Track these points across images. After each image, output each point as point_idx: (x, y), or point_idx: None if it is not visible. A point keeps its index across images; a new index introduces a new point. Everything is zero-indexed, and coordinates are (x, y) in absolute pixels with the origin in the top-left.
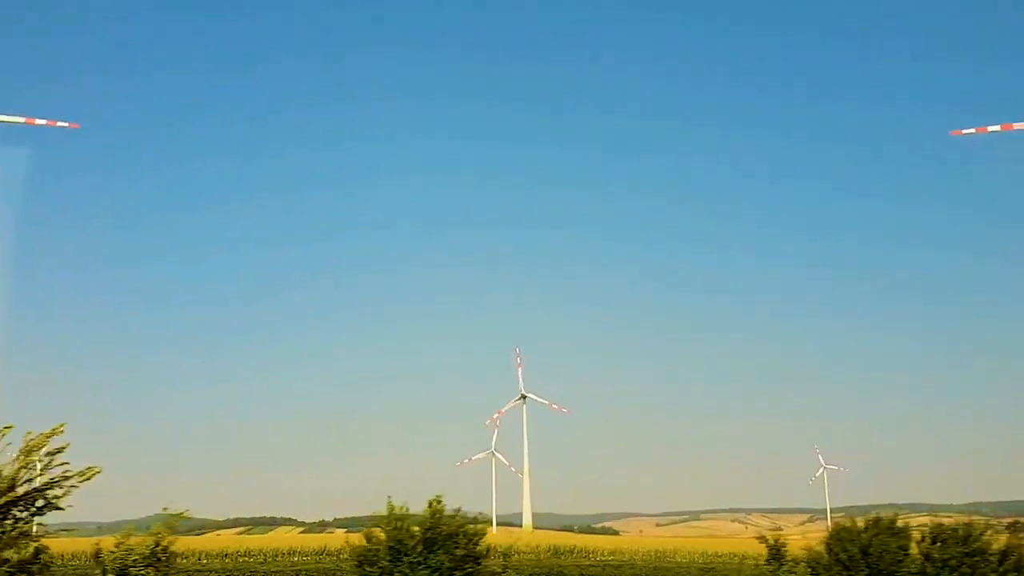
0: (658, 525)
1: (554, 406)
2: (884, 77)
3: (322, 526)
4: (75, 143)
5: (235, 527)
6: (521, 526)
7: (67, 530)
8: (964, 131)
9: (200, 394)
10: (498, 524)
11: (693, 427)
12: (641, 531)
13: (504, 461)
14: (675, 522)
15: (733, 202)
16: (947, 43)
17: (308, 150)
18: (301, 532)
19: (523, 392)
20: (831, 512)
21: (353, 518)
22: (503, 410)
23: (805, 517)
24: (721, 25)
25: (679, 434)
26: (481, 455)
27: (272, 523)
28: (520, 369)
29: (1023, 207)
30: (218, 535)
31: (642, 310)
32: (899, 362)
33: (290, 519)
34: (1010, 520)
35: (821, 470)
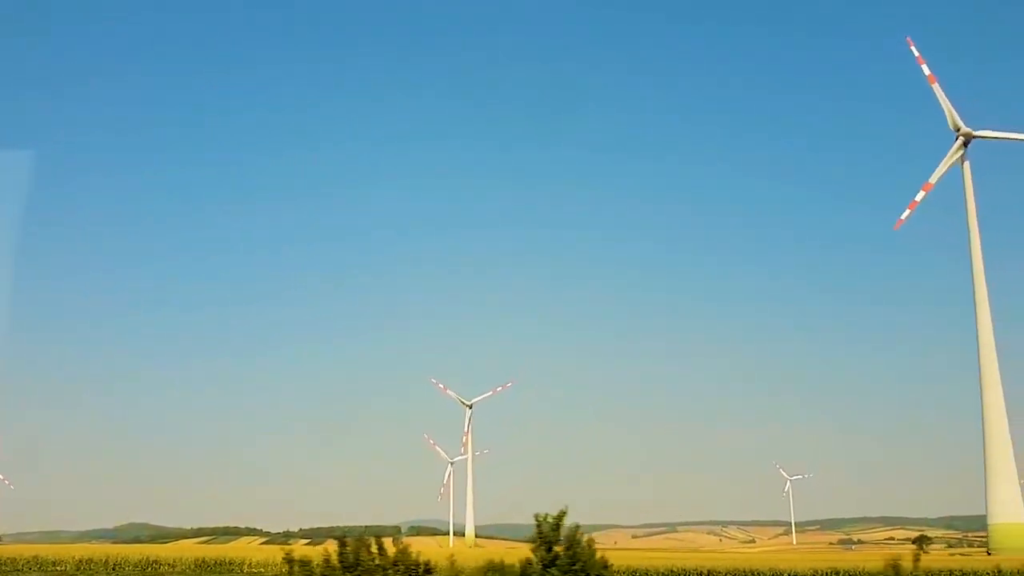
0: (634, 537)
1: (466, 437)
2: (884, 77)
3: (286, 536)
4: (76, 144)
5: (198, 536)
6: (464, 536)
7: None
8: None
9: (168, 404)
10: (457, 534)
11: (674, 439)
12: (616, 543)
13: (444, 480)
14: (652, 534)
15: (720, 214)
16: (947, 43)
17: (308, 151)
18: (263, 543)
19: (471, 403)
20: (797, 524)
21: (318, 528)
22: (448, 390)
23: (781, 529)
24: (722, 26)
25: (660, 446)
26: (442, 451)
27: (236, 533)
28: (492, 393)
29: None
30: (177, 544)
31: (625, 324)
32: (877, 376)
33: (254, 529)
34: (918, 534)
35: (788, 484)
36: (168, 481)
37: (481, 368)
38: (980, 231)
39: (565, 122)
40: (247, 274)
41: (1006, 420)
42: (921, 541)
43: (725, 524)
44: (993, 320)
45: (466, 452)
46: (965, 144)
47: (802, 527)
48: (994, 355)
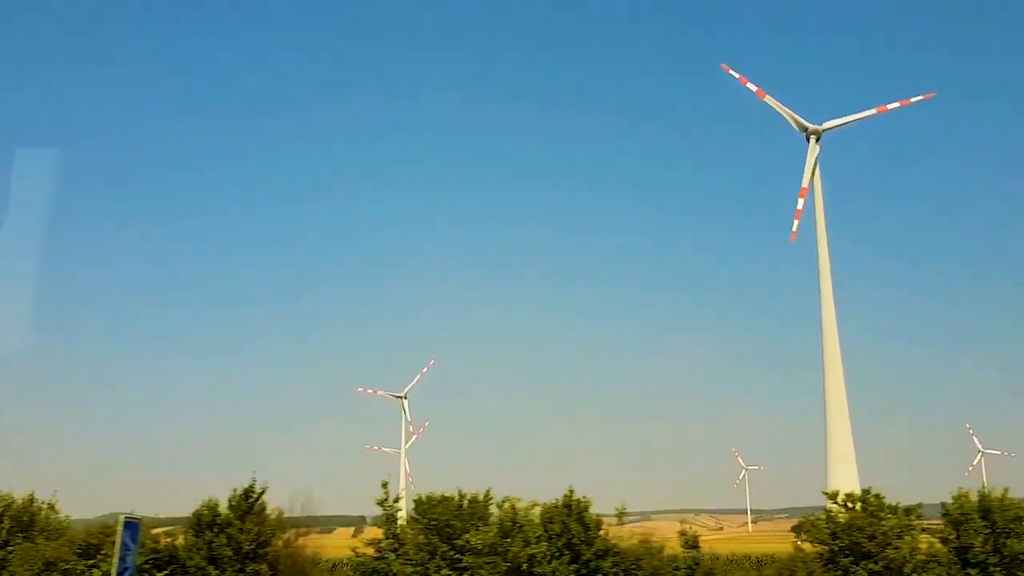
0: (608, 526)
1: (411, 426)
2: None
3: None
4: (90, 144)
5: (169, 526)
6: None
7: None
8: (732, 71)
9: (149, 396)
10: None
11: (646, 427)
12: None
13: (407, 470)
14: (625, 523)
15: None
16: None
17: (307, 152)
18: None
19: (404, 394)
20: (765, 512)
21: (285, 518)
22: (377, 391)
23: (753, 516)
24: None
25: (632, 434)
26: (389, 449)
27: None
28: (421, 376)
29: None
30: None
31: (597, 315)
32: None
33: None
34: (797, 522)
35: (743, 472)
36: (144, 472)
37: (443, 362)
38: (827, 226)
39: (561, 122)
40: (232, 276)
41: (846, 403)
42: (799, 528)
43: (697, 512)
44: (835, 304)
45: (414, 433)
46: (818, 140)
47: (770, 515)
48: (835, 335)
